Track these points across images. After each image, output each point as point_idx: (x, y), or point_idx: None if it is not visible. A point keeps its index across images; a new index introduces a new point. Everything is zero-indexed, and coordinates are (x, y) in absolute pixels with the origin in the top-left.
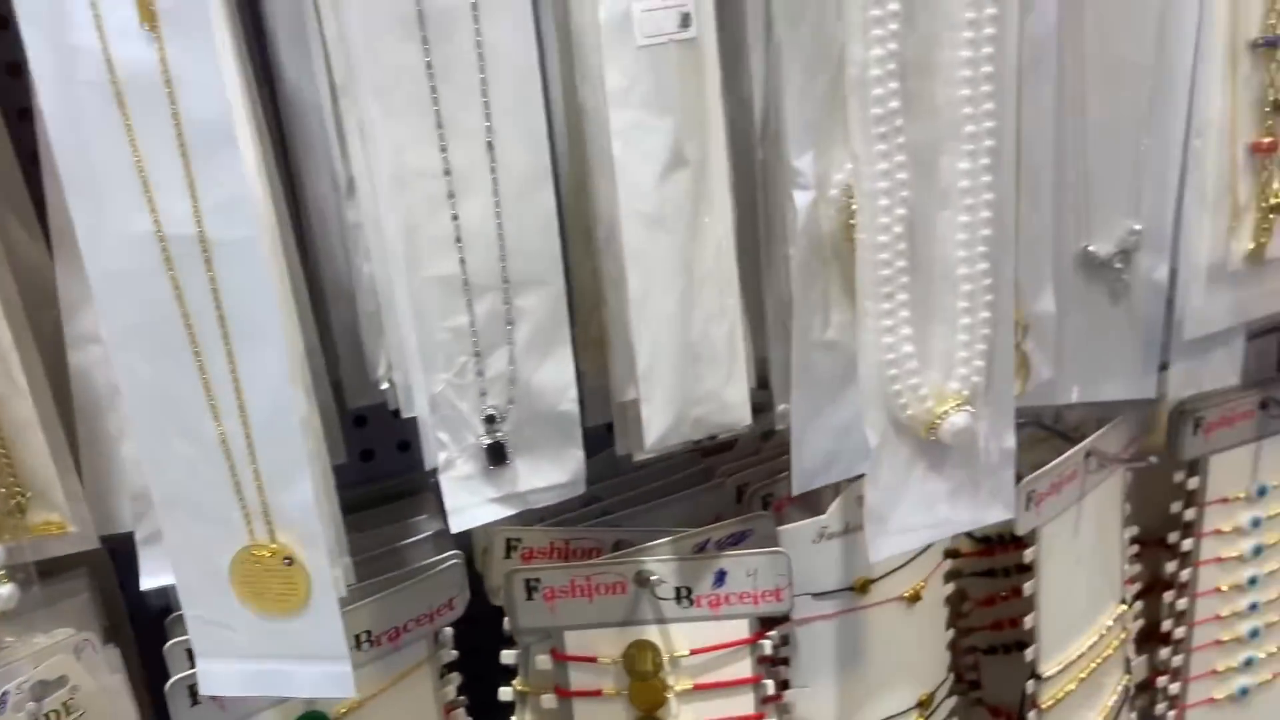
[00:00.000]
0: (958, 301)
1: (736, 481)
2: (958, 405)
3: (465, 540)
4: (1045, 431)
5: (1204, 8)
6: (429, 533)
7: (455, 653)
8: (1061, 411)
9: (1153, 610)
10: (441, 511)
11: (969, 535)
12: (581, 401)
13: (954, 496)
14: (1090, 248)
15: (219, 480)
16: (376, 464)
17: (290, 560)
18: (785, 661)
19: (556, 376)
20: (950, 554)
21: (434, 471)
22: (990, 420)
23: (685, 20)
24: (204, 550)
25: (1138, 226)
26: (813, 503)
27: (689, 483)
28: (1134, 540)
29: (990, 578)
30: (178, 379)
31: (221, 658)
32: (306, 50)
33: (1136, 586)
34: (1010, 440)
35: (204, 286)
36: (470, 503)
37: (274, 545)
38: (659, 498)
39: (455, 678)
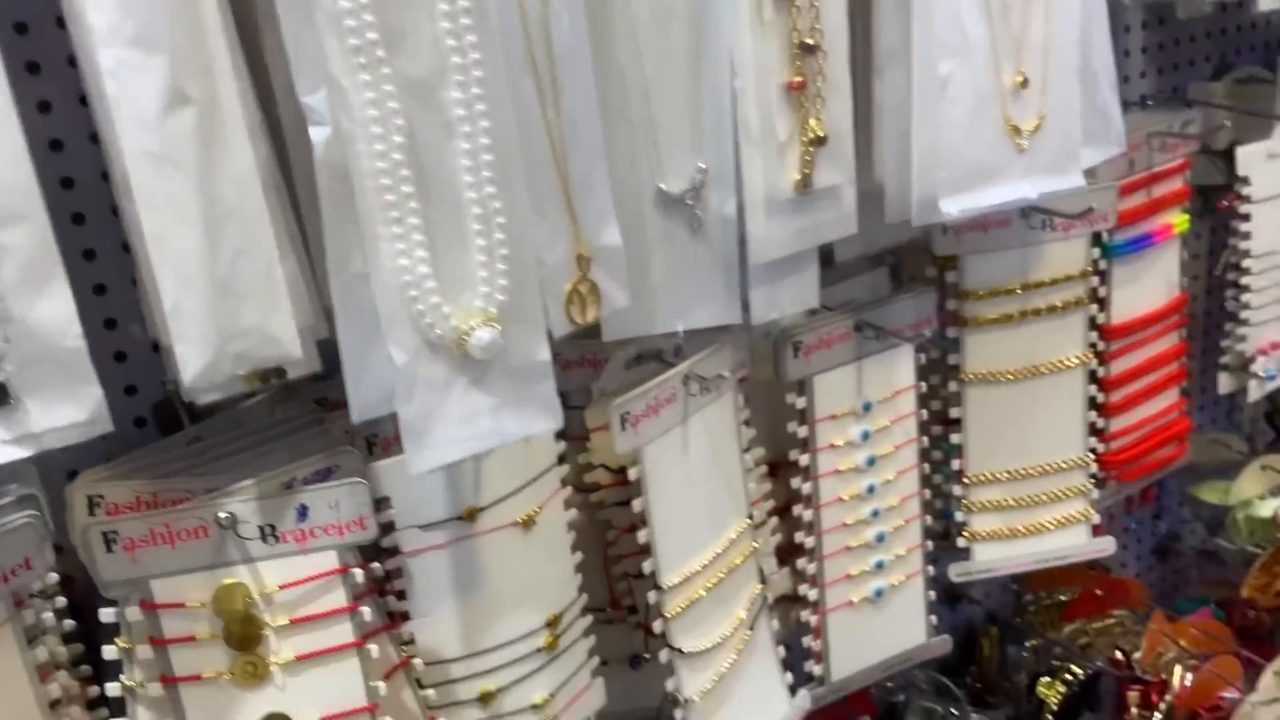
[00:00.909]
0: (470, 225)
1: (346, 424)
2: (484, 322)
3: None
4: (665, 365)
5: None
6: (11, 497)
7: (55, 617)
8: (683, 347)
9: (795, 526)
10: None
11: (605, 467)
12: None
13: (497, 410)
14: (663, 186)
15: None
16: None
17: None
18: (402, 595)
19: (55, 313)
20: (589, 488)
21: None
22: (520, 335)
23: None
24: None
25: (703, 165)
26: None
27: (299, 428)
28: (768, 462)
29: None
30: None
31: None
32: None
33: (770, 504)
34: (544, 354)
35: None
36: None
37: None
38: (266, 444)
39: (53, 641)
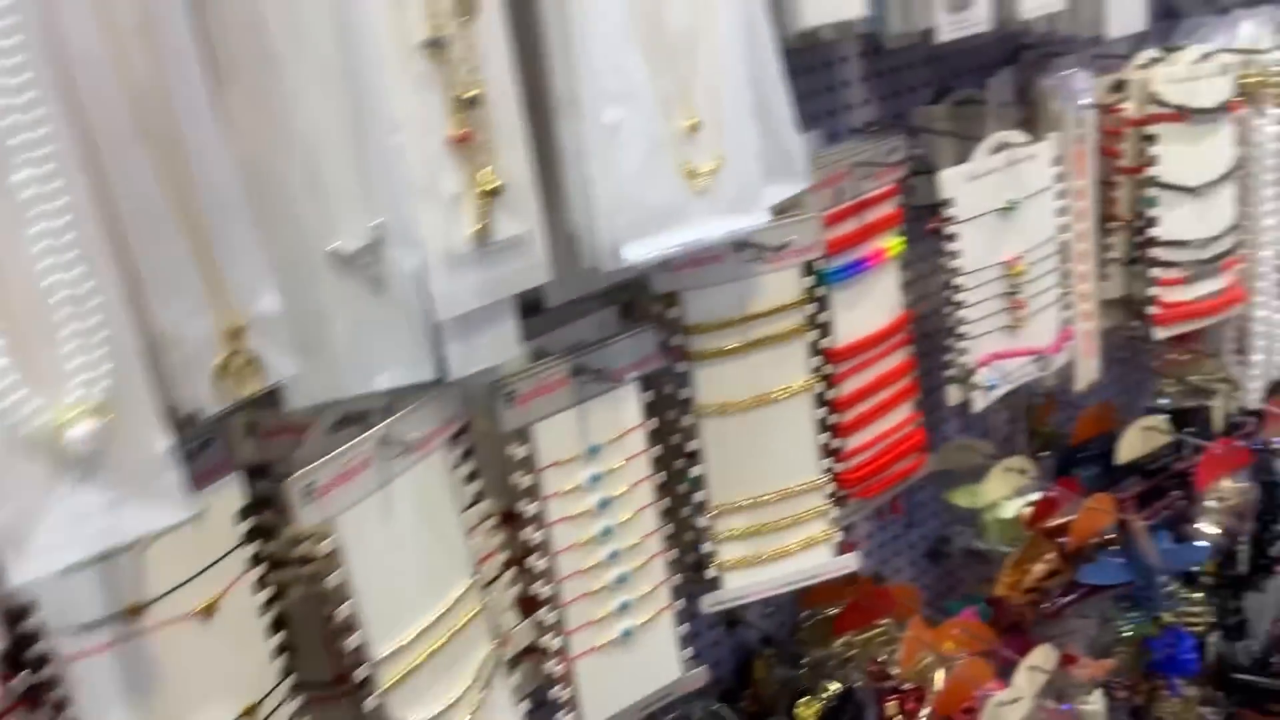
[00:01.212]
0: (55, 312)
1: None
2: (83, 414)
3: None
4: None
5: (364, 12)
6: None
7: None
8: (393, 406)
9: (532, 577)
10: None
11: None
12: None
13: (114, 506)
14: (336, 246)
15: None
16: None
17: None
18: (62, 705)
19: None
20: (304, 560)
21: None
22: (134, 425)
23: None
24: None
25: (379, 221)
26: None
27: None
28: (503, 513)
29: None
30: None
31: None
32: None
33: (501, 558)
34: (160, 443)
35: None
36: None
37: None
38: None
39: None
